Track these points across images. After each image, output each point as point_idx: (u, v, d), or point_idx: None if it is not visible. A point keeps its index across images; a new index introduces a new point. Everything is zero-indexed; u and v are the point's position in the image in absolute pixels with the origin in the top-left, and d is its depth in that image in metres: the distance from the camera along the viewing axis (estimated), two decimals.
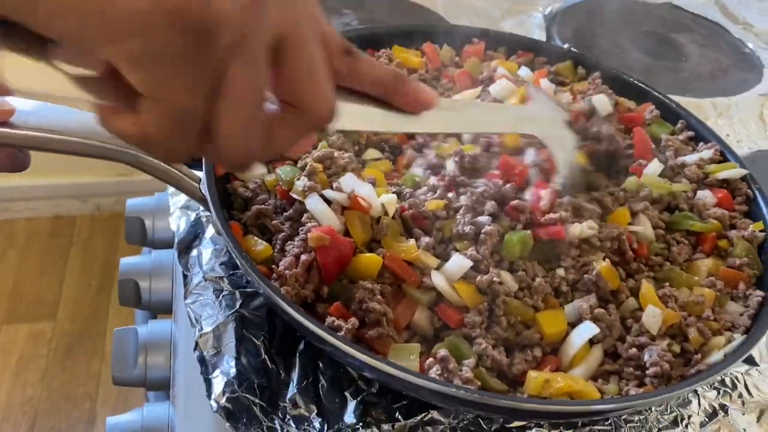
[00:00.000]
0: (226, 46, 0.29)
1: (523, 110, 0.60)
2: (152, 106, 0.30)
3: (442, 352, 0.45)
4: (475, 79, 0.68)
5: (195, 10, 0.28)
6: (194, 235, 0.55)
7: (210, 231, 0.55)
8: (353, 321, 0.45)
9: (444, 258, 0.51)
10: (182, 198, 0.57)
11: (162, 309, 0.64)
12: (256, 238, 0.51)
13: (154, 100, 0.30)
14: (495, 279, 0.48)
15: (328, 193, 0.52)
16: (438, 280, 0.49)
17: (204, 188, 0.50)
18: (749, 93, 0.90)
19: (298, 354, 0.49)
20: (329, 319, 0.46)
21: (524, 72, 0.69)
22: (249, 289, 0.51)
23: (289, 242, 0.50)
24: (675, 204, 0.59)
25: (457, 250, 0.51)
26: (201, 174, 0.51)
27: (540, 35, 0.93)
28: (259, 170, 0.56)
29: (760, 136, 0.83)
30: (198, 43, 0.29)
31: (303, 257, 0.48)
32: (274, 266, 0.49)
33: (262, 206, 0.53)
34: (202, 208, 0.56)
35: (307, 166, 0.54)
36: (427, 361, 0.45)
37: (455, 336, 0.47)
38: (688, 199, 0.60)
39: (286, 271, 0.47)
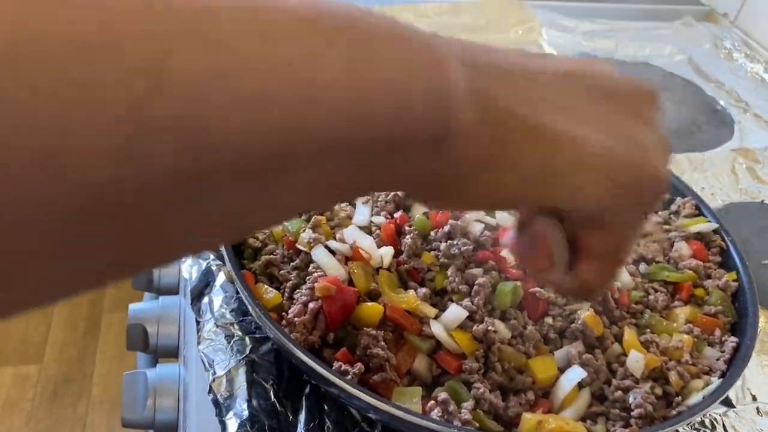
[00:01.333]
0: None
1: None
2: (597, 263, 0.34)
3: (443, 395, 0.48)
4: None
5: (661, 174, 0.31)
6: (205, 283, 0.58)
7: (220, 279, 0.58)
8: (359, 366, 0.49)
9: (439, 307, 0.54)
10: None
11: (168, 353, 0.66)
12: (266, 286, 0.54)
13: (599, 258, 0.34)
14: (490, 328, 0.52)
15: (332, 244, 0.56)
16: (436, 329, 0.52)
17: None
18: (721, 148, 0.95)
19: (304, 397, 0.52)
20: (336, 364, 0.49)
21: None
22: (258, 335, 0.54)
23: (297, 290, 0.53)
24: (651, 257, 0.64)
25: (453, 301, 0.54)
26: None
27: None
28: None
29: (732, 189, 0.88)
30: (651, 205, 0.32)
31: (311, 305, 0.51)
32: (284, 313, 0.52)
33: (271, 256, 0.56)
34: (212, 257, 0.59)
35: (312, 219, 0.58)
36: (429, 404, 0.48)
37: (454, 381, 0.50)
38: (664, 251, 0.64)
39: (296, 319, 0.51)
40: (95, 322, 1.81)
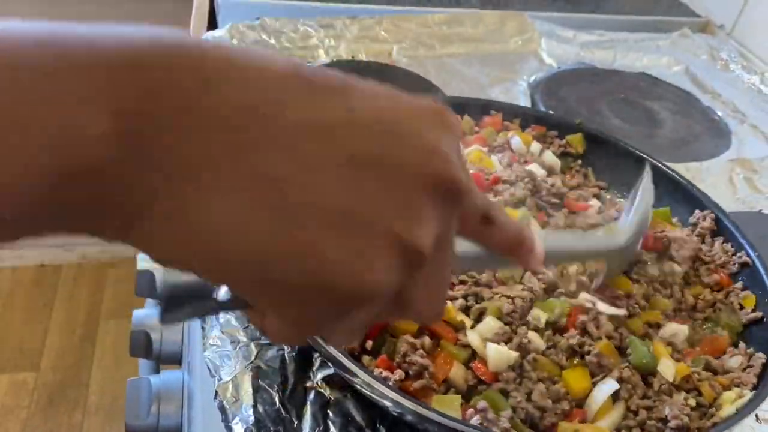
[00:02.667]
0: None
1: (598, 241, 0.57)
2: (275, 322, 0.28)
3: (482, 403, 0.49)
4: (489, 144, 0.75)
5: (356, 294, 0.25)
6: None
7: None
8: (400, 372, 0.50)
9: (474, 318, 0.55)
10: None
11: (171, 360, 0.67)
12: None
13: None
14: (524, 339, 0.53)
15: None
16: (473, 338, 0.53)
17: None
18: (719, 158, 0.96)
19: (309, 403, 0.52)
20: (377, 371, 0.50)
21: (535, 148, 0.76)
22: (263, 341, 0.55)
23: None
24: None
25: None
26: None
27: (525, 102, 0.99)
28: None
29: (730, 199, 0.88)
30: (348, 310, 0.26)
31: None
32: None
33: None
34: None
35: None
36: (468, 411, 0.49)
37: (492, 390, 0.51)
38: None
39: None
40: (92, 329, 1.81)
